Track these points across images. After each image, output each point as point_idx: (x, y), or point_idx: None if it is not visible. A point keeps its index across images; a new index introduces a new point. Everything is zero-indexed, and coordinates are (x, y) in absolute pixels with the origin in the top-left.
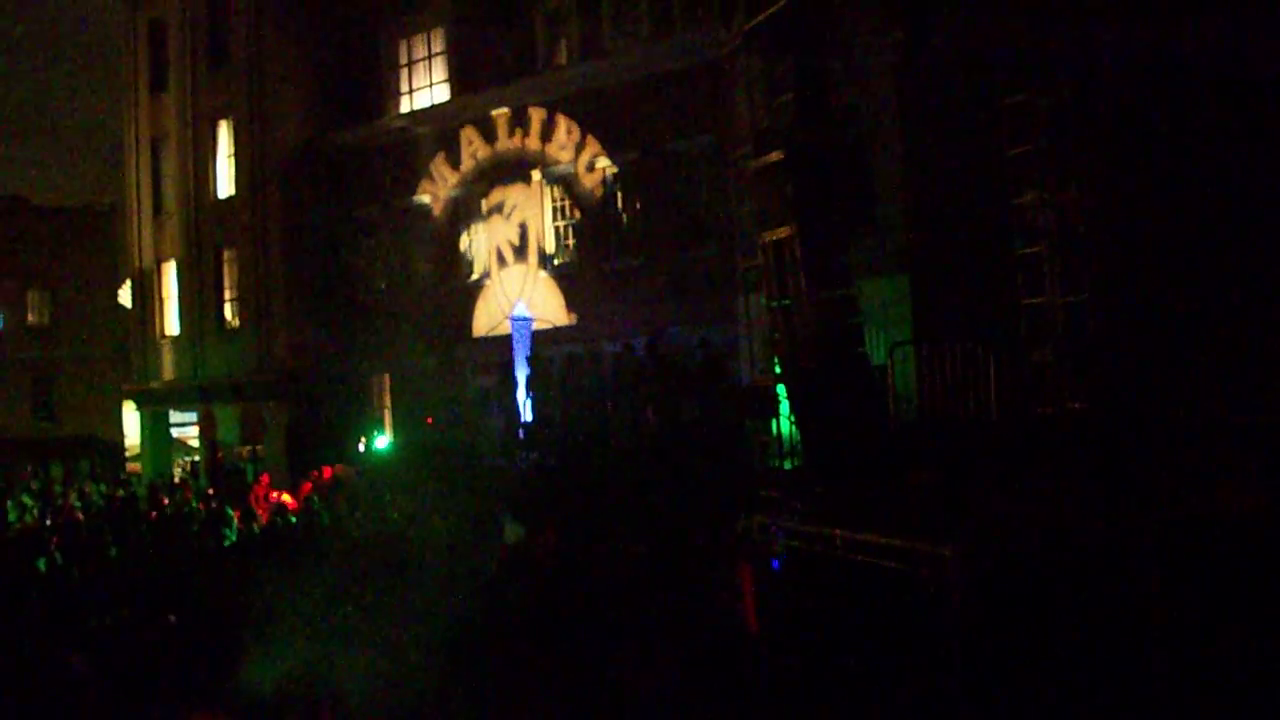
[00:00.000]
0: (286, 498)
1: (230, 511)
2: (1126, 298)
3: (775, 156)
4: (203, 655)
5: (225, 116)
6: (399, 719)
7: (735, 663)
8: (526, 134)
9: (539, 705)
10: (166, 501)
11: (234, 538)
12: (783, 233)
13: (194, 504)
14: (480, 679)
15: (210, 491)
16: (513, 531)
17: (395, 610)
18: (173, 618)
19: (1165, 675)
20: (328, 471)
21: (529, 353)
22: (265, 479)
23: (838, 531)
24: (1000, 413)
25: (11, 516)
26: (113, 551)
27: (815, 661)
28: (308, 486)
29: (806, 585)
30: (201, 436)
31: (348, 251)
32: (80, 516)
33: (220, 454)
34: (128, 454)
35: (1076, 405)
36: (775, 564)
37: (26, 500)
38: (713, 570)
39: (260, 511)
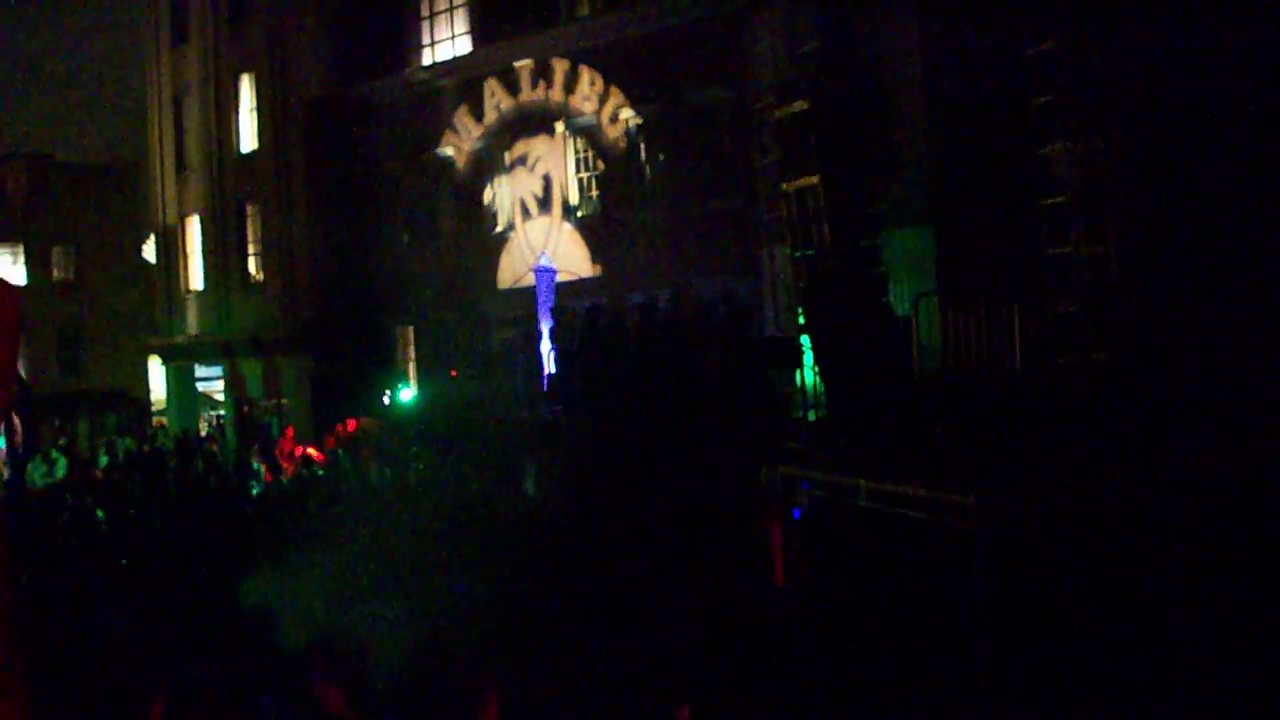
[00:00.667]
0: (312, 451)
1: (257, 464)
2: (1150, 248)
3: (799, 106)
4: (228, 610)
5: (247, 70)
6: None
7: (761, 615)
8: (550, 86)
9: (564, 658)
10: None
11: (259, 490)
12: (807, 182)
13: (222, 457)
14: (505, 632)
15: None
16: (534, 483)
17: (419, 564)
18: (204, 570)
19: (1186, 628)
20: (352, 424)
21: (553, 304)
22: (290, 432)
23: (862, 482)
24: (1024, 363)
25: (40, 472)
26: (136, 508)
27: (839, 612)
28: (332, 440)
29: (830, 536)
30: (227, 390)
31: (372, 204)
32: (98, 474)
33: (245, 408)
34: (154, 408)
35: (1099, 356)
36: (797, 514)
37: (54, 455)
38: (738, 522)
39: (285, 465)
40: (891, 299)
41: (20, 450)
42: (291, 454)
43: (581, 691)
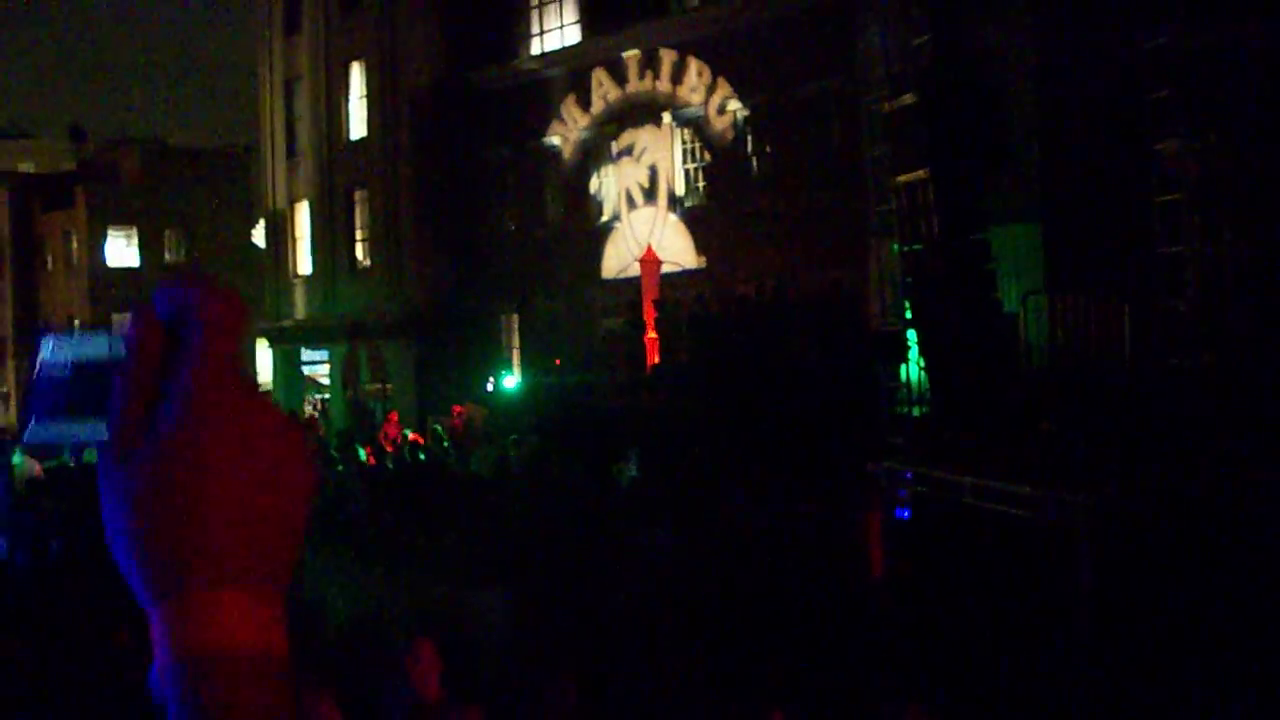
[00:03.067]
0: (415, 436)
1: (360, 448)
2: (1266, 249)
3: (910, 99)
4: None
5: (358, 58)
6: (512, 657)
7: (860, 607)
8: (657, 76)
9: (659, 646)
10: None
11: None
12: (916, 176)
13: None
14: (604, 620)
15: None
16: (632, 473)
17: (519, 552)
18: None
19: None
20: (457, 410)
21: (657, 295)
22: (393, 417)
23: (967, 478)
24: (1133, 363)
25: None
26: None
27: (939, 609)
28: (436, 425)
29: (934, 531)
30: (332, 374)
31: (478, 192)
32: None
33: (351, 392)
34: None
35: (1210, 358)
36: (901, 510)
37: None
38: (841, 516)
39: (388, 448)
40: (1000, 295)
41: None
42: (394, 438)
43: (674, 689)
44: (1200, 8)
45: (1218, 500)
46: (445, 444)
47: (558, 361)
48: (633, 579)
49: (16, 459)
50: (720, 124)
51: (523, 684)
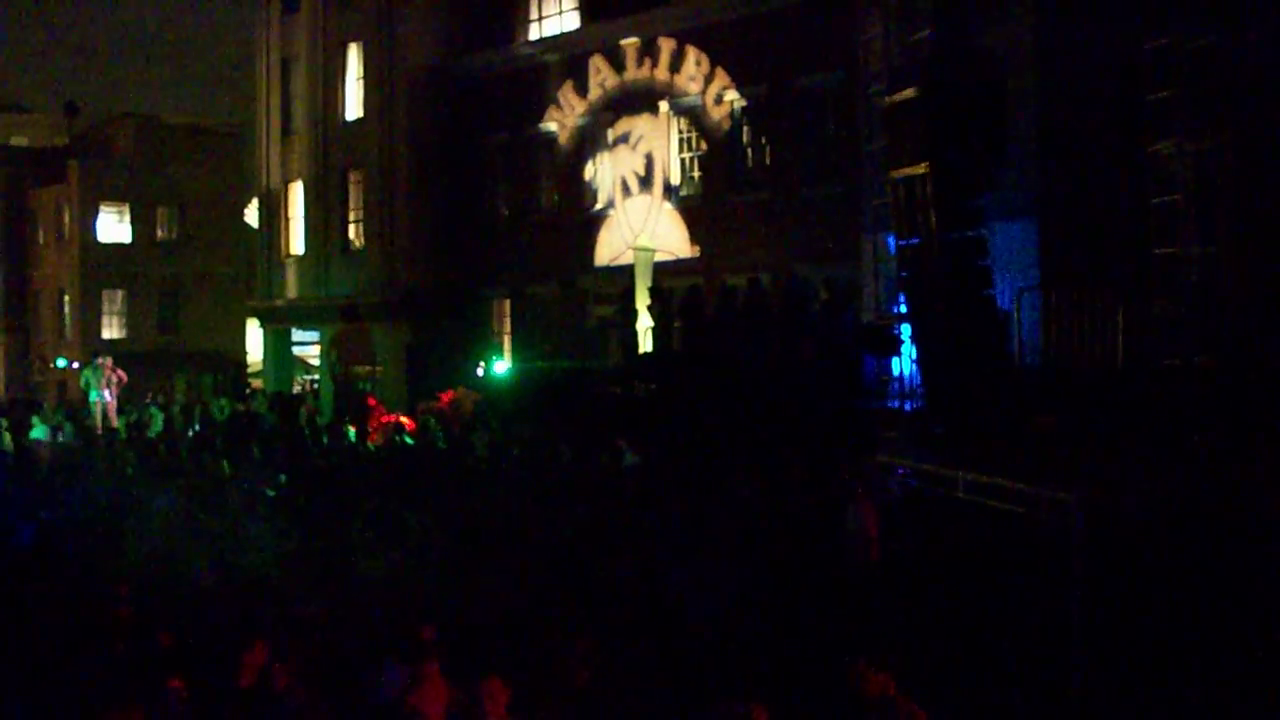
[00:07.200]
0: (404, 419)
1: (349, 428)
2: (1262, 251)
3: (910, 93)
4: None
5: (355, 39)
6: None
7: (857, 591)
8: (655, 64)
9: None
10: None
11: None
12: (914, 171)
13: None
14: (595, 607)
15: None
16: (631, 458)
17: (513, 534)
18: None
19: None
20: (448, 395)
21: (650, 283)
22: (371, 400)
23: (960, 473)
24: (1126, 362)
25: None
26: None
27: (932, 599)
28: (425, 409)
29: (925, 524)
30: (323, 355)
31: (473, 176)
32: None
33: (341, 373)
34: (249, 370)
35: (1204, 359)
36: (894, 505)
37: (154, 411)
38: (831, 505)
39: (373, 429)
40: (995, 291)
41: None
42: (381, 421)
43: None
44: (1201, 10)
45: (1209, 499)
46: (439, 433)
47: (548, 348)
48: (633, 559)
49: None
50: (717, 114)
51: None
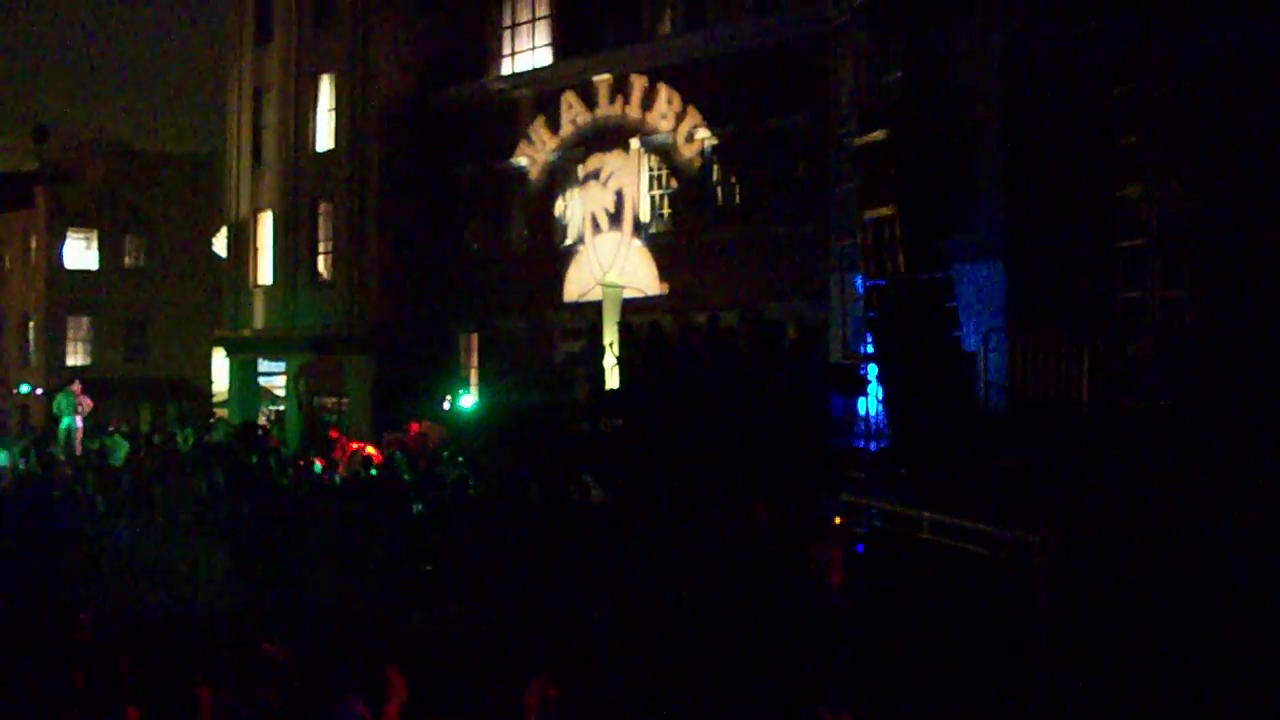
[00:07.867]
0: (370, 450)
1: (315, 460)
2: (1227, 296)
3: (880, 135)
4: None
5: (328, 71)
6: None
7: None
8: (627, 101)
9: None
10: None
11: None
12: (883, 212)
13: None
14: (564, 639)
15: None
16: (598, 494)
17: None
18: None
19: (1255, 671)
20: (414, 428)
21: (618, 320)
22: (334, 433)
23: (925, 513)
24: (1092, 404)
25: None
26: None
27: (897, 640)
28: (393, 442)
29: (890, 565)
30: (288, 386)
31: (443, 210)
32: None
33: (307, 405)
34: (215, 399)
35: (1168, 403)
36: (859, 546)
37: (118, 440)
38: (798, 546)
39: (338, 459)
40: (961, 332)
41: None
42: (348, 450)
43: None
44: (1166, 59)
45: (1176, 540)
46: (403, 465)
47: (516, 383)
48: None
49: None
50: (688, 152)
51: (498, 689)
